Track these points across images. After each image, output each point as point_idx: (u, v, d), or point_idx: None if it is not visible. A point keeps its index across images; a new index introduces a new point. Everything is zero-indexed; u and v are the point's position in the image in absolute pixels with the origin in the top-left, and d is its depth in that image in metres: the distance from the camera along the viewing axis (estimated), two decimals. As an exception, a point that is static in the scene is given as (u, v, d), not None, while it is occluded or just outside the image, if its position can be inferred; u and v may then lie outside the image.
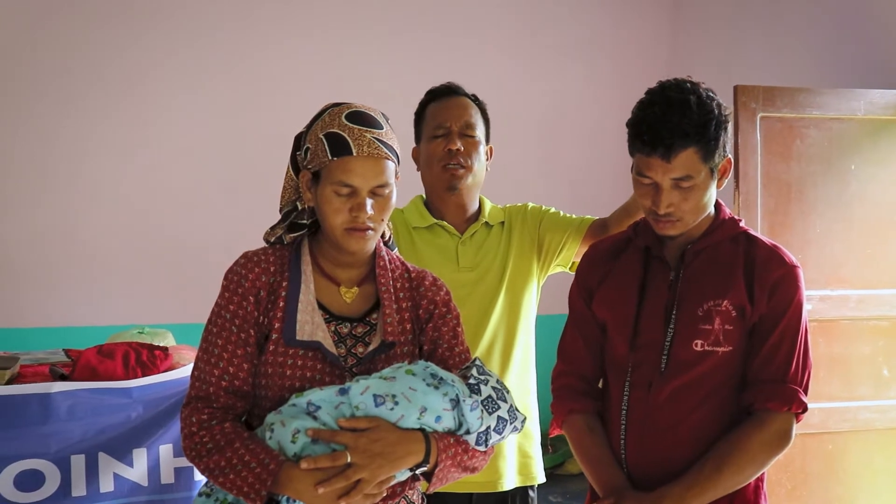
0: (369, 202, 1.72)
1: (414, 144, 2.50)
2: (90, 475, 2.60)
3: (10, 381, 2.61)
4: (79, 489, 2.58)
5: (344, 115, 1.75)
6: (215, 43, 4.72)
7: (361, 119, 1.74)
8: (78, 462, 2.58)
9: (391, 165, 1.75)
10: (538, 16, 5.16)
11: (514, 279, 2.43)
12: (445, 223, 2.45)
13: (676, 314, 1.92)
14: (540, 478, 2.48)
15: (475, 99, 2.48)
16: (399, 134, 1.82)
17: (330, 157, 1.72)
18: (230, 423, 1.69)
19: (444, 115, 2.41)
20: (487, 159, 2.47)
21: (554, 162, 5.19)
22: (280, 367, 1.73)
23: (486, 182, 2.50)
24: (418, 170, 2.49)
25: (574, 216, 2.51)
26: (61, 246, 4.53)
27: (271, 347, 1.73)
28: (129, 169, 4.63)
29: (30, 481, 2.54)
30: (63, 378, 2.66)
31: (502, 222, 2.49)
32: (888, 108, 3.35)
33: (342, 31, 4.87)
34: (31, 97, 4.47)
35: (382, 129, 1.76)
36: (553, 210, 2.54)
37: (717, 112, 1.85)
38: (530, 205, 2.55)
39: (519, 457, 2.43)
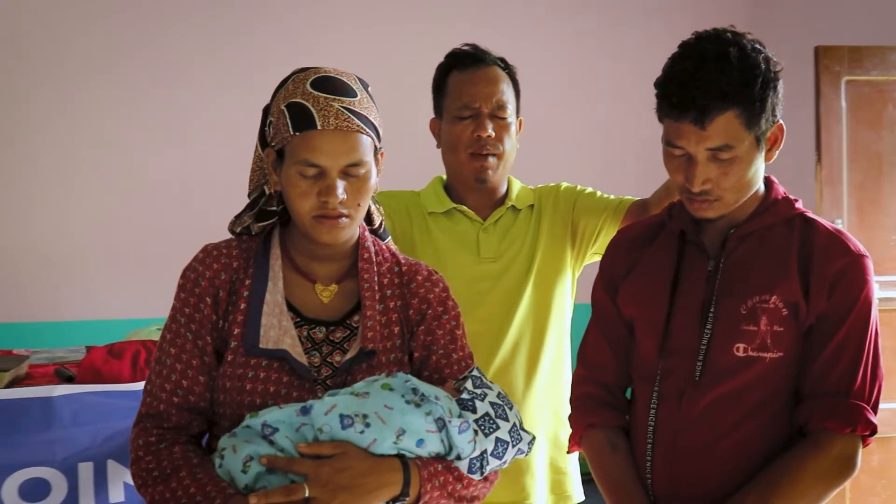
0: (341, 184, 1.47)
1: (433, 116, 2.21)
2: (98, 484, 2.42)
3: (12, 383, 2.46)
4: (87, 499, 2.41)
5: (309, 81, 1.50)
6: (204, 27, 4.48)
7: (328, 86, 1.49)
8: (86, 470, 2.41)
9: (366, 140, 1.49)
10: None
11: (543, 270, 2.13)
12: (465, 208, 2.16)
13: (715, 312, 1.60)
14: (577, 496, 2.18)
15: (505, 66, 2.15)
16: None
17: (292, 132, 1.47)
18: (180, 447, 1.46)
19: (471, 92, 2.09)
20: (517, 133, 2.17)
21: (613, 137, 4.81)
22: (239, 380, 1.49)
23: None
24: (439, 146, 2.21)
25: (612, 197, 2.18)
26: (88, 239, 4.38)
27: (230, 357, 1.50)
28: (140, 159, 4.45)
29: (35, 491, 2.37)
30: (70, 380, 2.51)
31: (531, 205, 2.19)
32: None
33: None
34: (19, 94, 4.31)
35: (355, 97, 1.50)
36: (589, 190, 2.22)
37: (763, 68, 1.52)
38: (563, 185, 2.24)
39: (550, 473, 2.13)
